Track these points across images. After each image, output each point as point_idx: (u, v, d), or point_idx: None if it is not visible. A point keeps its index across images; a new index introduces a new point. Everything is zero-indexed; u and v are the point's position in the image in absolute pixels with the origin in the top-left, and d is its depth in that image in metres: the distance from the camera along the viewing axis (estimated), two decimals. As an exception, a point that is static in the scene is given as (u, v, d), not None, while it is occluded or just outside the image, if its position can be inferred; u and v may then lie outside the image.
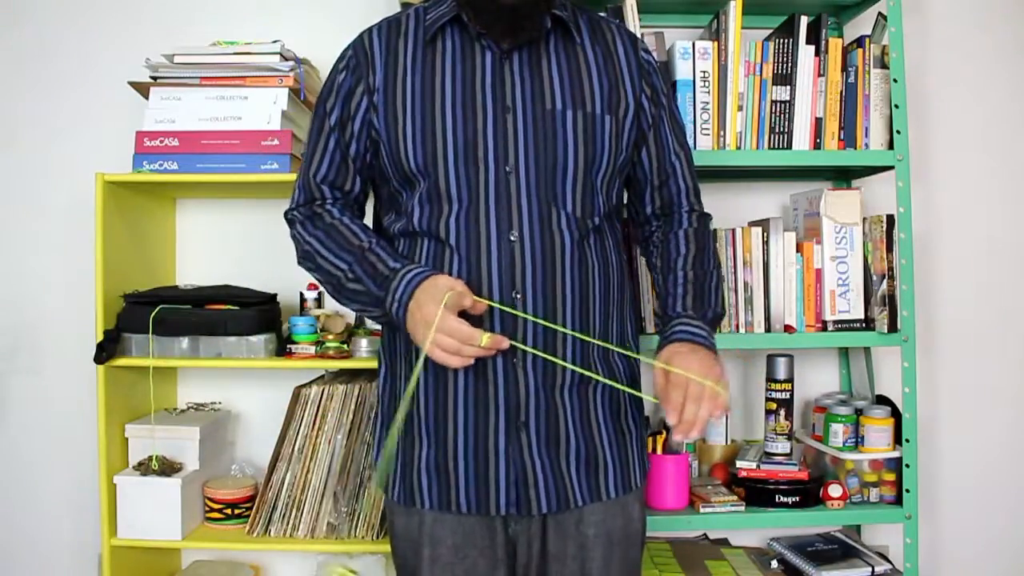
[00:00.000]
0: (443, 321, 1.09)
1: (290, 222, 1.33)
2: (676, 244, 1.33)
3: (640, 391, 1.33)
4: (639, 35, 1.70)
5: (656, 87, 1.33)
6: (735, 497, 1.74)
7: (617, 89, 1.28)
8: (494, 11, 1.19)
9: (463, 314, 1.13)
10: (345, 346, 1.75)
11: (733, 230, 1.74)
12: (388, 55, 1.25)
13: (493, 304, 1.16)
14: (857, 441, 1.77)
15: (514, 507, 1.21)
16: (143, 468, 1.72)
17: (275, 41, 1.76)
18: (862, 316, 1.75)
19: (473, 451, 1.21)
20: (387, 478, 1.28)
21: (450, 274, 1.19)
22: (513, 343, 1.15)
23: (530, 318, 1.18)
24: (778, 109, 1.74)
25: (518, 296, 1.18)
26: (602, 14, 1.71)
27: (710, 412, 1.12)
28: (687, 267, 1.31)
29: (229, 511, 1.78)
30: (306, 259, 1.29)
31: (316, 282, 1.34)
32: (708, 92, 1.72)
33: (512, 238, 1.19)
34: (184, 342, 1.72)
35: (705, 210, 1.40)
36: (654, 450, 1.72)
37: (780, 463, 1.76)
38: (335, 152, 1.28)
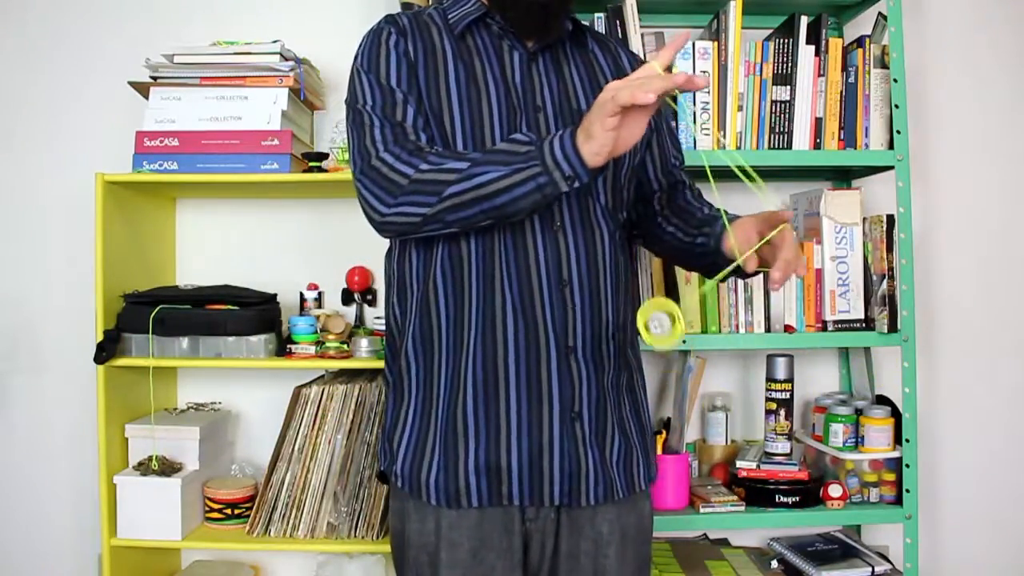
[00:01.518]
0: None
1: (374, 170, 1.15)
2: (686, 197, 1.37)
3: (644, 382, 1.35)
4: (639, 35, 1.71)
5: None
6: (735, 497, 1.74)
7: None
8: (525, 8, 1.20)
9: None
10: (345, 346, 1.75)
11: (733, 230, 1.74)
12: (424, 40, 1.24)
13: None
14: (857, 441, 1.77)
15: (567, 498, 1.21)
16: (143, 468, 1.72)
17: (275, 41, 1.76)
18: (862, 316, 1.75)
19: (528, 444, 1.19)
20: (422, 480, 1.22)
21: (498, 262, 1.18)
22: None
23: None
24: (778, 109, 1.74)
25: (566, 287, 1.19)
26: (599, 14, 1.73)
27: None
28: (703, 205, 1.34)
29: (229, 511, 1.78)
30: (411, 192, 1.12)
31: (416, 215, 1.13)
32: (708, 92, 1.72)
33: (555, 227, 1.20)
34: (184, 342, 1.72)
35: None
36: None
37: (780, 463, 1.76)
38: (407, 106, 1.19)
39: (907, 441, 1.72)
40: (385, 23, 1.26)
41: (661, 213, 1.37)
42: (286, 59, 1.75)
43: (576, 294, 1.20)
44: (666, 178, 1.39)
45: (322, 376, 1.90)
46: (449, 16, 1.26)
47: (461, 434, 1.20)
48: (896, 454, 1.74)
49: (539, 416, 1.19)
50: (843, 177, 2.00)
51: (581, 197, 1.21)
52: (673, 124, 1.42)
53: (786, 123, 1.74)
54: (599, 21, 1.72)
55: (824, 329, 1.75)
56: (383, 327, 1.83)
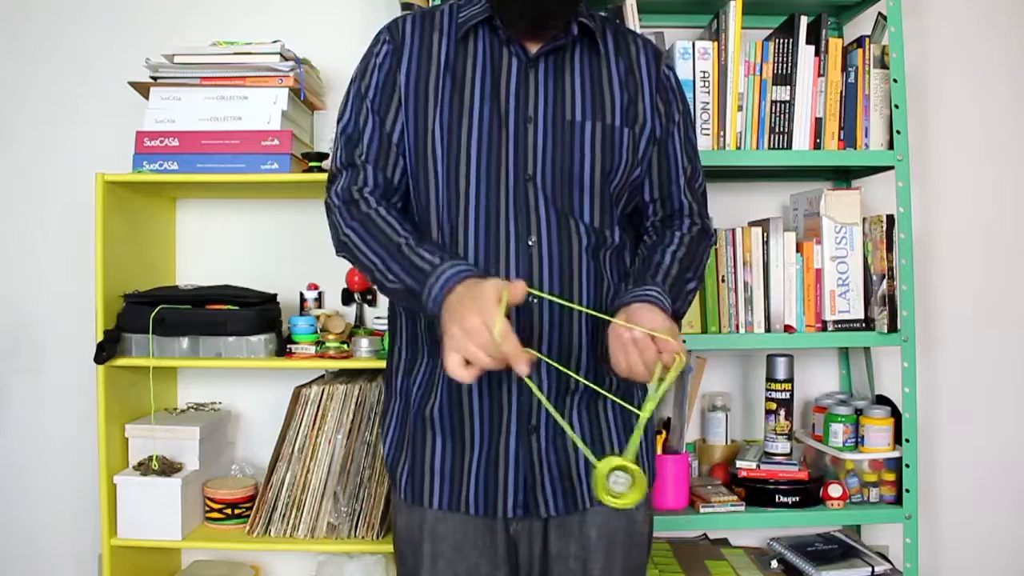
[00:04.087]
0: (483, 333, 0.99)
1: (328, 207, 1.26)
2: (670, 239, 1.29)
3: (635, 404, 1.30)
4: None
5: (670, 102, 1.31)
6: (735, 497, 1.74)
7: (636, 103, 1.27)
8: (520, 5, 1.18)
9: None
10: (345, 346, 1.75)
11: (733, 230, 1.74)
12: (422, 47, 1.24)
13: (544, 296, 1.14)
14: (857, 441, 1.77)
15: (521, 509, 1.21)
16: (143, 468, 1.72)
17: (275, 41, 1.76)
18: (862, 316, 1.75)
19: (487, 453, 1.20)
20: (396, 475, 1.27)
21: None
22: (530, 351, 1.05)
23: (576, 307, 1.14)
24: (778, 109, 1.74)
25: (534, 301, 1.18)
26: (601, 13, 1.72)
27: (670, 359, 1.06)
28: (673, 261, 1.25)
29: (229, 511, 1.78)
30: (343, 249, 1.23)
31: (349, 259, 1.25)
32: (708, 92, 1.72)
33: (530, 243, 1.18)
34: (184, 342, 1.72)
35: (710, 227, 1.35)
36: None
37: (780, 463, 1.76)
38: (374, 132, 1.24)
39: (907, 441, 1.72)
40: (386, 31, 1.27)
41: (647, 232, 1.33)
42: (286, 59, 1.75)
43: (545, 312, 1.19)
44: (664, 199, 1.32)
45: (322, 376, 1.90)
46: (460, 14, 1.25)
47: (429, 438, 1.23)
48: (896, 454, 1.74)
49: (499, 426, 1.20)
50: (843, 177, 2.00)
51: (560, 216, 1.20)
52: (694, 139, 1.36)
53: (786, 123, 1.74)
54: (599, 21, 1.72)
55: (824, 329, 1.75)
56: (383, 327, 1.84)
